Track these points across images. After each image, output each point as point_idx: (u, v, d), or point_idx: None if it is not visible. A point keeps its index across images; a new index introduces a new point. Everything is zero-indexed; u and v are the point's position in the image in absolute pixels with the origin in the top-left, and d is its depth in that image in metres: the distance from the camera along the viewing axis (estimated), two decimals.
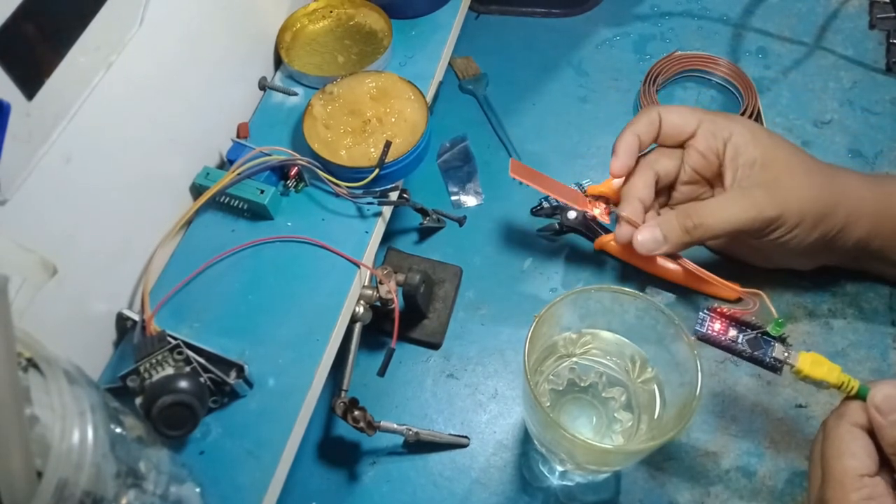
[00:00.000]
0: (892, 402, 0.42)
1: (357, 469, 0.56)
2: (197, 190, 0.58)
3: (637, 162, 0.59)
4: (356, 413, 0.51)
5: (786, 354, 0.48)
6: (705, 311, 0.50)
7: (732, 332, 0.50)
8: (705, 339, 0.50)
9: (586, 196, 0.62)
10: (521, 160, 0.73)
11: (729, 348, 0.50)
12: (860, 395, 0.45)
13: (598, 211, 0.61)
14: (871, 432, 0.43)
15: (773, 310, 0.51)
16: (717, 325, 0.50)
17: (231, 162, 0.58)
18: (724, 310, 0.50)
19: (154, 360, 0.45)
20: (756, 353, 0.49)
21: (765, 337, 0.49)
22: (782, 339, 0.49)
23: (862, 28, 0.80)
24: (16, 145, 0.39)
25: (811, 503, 0.45)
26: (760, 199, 0.53)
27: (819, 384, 0.47)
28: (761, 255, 0.61)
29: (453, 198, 0.71)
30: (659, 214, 0.59)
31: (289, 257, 0.55)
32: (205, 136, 0.59)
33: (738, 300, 0.61)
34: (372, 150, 0.57)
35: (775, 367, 0.49)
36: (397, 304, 0.55)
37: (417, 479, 0.56)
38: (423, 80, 0.65)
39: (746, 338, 0.49)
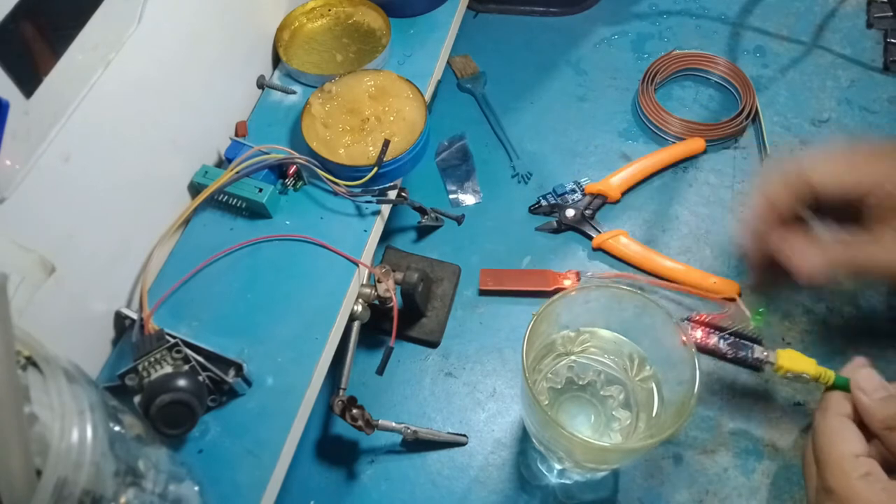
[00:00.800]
0: (873, 381, 0.44)
1: (355, 468, 0.57)
2: (195, 188, 0.58)
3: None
4: (354, 411, 0.51)
5: (765, 353, 0.50)
6: (685, 320, 0.53)
7: (714, 339, 0.53)
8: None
9: (558, 275, 0.64)
10: (519, 159, 0.73)
11: (713, 353, 0.52)
12: (837, 385, 0.48)
13: (568, 282, 0.63)
14: (857, 422, 0.44)
15: (746, 311, 0.54)
16: (699, 333, 0.53)
17: (229, 160, 0.58)
18: (703, 317, 0.53)
19: (153, 359, 0.45)
20: (739, 354, 0.52)
21: (743, 340, 0.52)
22: (759, 341, 0.52)
23: (860, 27, 0.80)
24: (14, 144, 0.39)
25: (811, 502, 0.45)
26: None
27: (799, 378, 0.50)
28: None
29: (452, 196, 0.71)
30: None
31: (287, 256, 0.55)
32: (203, 135, 0.59)
33: (733, 298, 0.61)
34: (370, 148, 0.57)
35: (758, 366, 0.51)
36: (396, 302, 0.55)
37: (416, 477, 0.56)
38: (421, 78, 0.65)
39: (727, 342, 0.53)
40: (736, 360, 0.52)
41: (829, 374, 0.49)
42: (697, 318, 0.53)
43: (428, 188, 0.72)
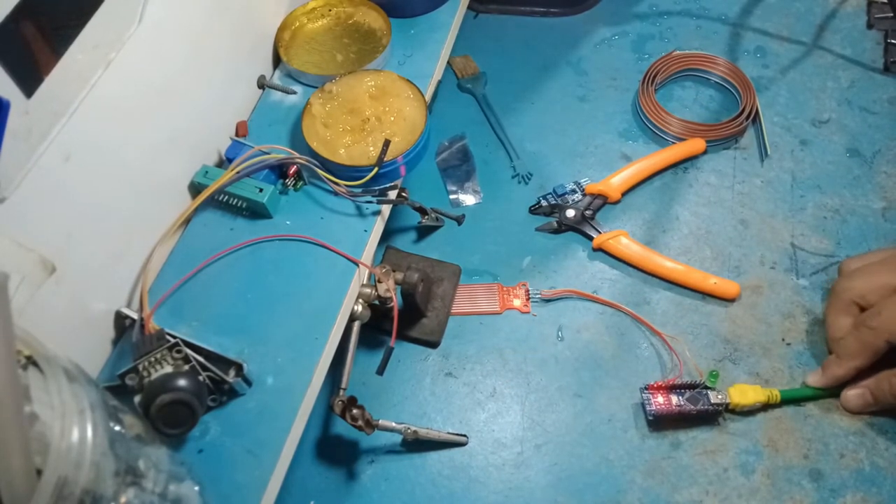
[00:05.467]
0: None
1: (356, 468, 0.57)
2: (195, 188, 0.58)
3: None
4: (354, 411, 0.51)
5: (720, 397, 0.55)
6: (643, 390, 0.56)
7: (675, 399, 0.56)
8: (660, 417, 0.56)
9: (509, 292, 0.64)
10: (519, 159, 0.73)
11: (680, 415, 0.56)
12: (785, 399, 0.56)
13: (518, 301, 0.63)
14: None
15: (689, 355, 0.59)
16: (661, 398, 0.56)
17: (230, 160, 0.58)
18: (659, 383, 0.56)
19: (153, 359, 0.45)
20: (700, 407, 0.55)
21: (698, 391, 0.56)
22: (710, 388, 0.56)
23: (860, 28, 0.80)
24: (15, 143, 0.39)
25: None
26: None
27: (753, 407, 0.56)
28: None
29: (452, 196, 0.71)
30: None
31: (288, 256, 0.55)
32: (203, 135, 0.59)
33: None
34: (371, 148, 0.57)
35: (718, 411, 0.56)
36: (396, 302, 0.55)
37: (416, 477, 0.56)
38: (421, 78, 0.65)
39: (686, 398, 0.56)
40: (700, 415, 0.56)
41: (776, 393, 0.56)
42: (654, 385, 0.56)
43: (428, 188, 0.72)
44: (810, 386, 0.57)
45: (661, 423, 0.56)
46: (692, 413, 0.55)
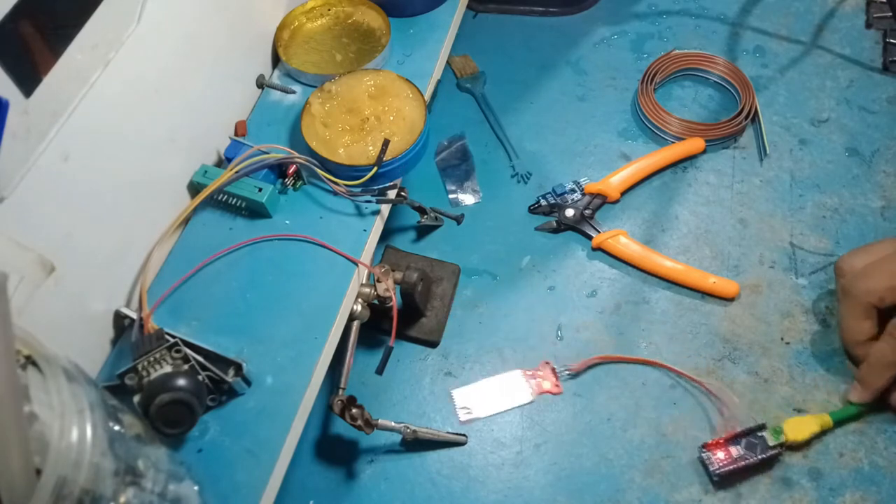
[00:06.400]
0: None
1: (355, 467, 0.57)
2: (195, 188, 0.58)
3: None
4: (354, 411, 0.51)
5: (777, 437, 0.54)
6: (701, 450, 0.54)
7: (735, 451, 0.54)
8: (726, 475, 0.53)
9: (535, 376, 0.60)
10: (518, 159, 0.73)
11: (746, 467, 0.53)
12: (836, 422, 0.55)
13: (548, 384, 0.59)
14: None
15: (735, 399, 0.56)
16: (721, 454, 0.54)
17: (229, 160, 0.58)
18: (716, 440, 0.54)
19: (152, 358, 0.45)
20: (761, 455, 0.53)
21: (753, 436, 0.54)
22: (762, 426, 0.54)
23: (859, 27, 0.80)
24: (14, 143, 0.39)
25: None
26: None
27: (810, 439, 0.54)
28: None
29: (451, 196, 0.71)
30: None
31: (287, 255, 0.55)
32: (203, 135, 0.59)
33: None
34: (370, 148, 0.57)
35: (779, 453, 0.54)
36: (395, 302, 0.55)
37: (415, 477, 0.56)
38: (421, 78, 0.65)
39: (746, 447, 0.54)
40: (764, 462, 0.53)
41: (827, 419, 0.54)
42: (711, 443, 0.54)
43: (427, 188, 0.72)
44: (855, 403, 0.55)
45: (727, 480, 0.54)
46: (754, 462, 0.53)
